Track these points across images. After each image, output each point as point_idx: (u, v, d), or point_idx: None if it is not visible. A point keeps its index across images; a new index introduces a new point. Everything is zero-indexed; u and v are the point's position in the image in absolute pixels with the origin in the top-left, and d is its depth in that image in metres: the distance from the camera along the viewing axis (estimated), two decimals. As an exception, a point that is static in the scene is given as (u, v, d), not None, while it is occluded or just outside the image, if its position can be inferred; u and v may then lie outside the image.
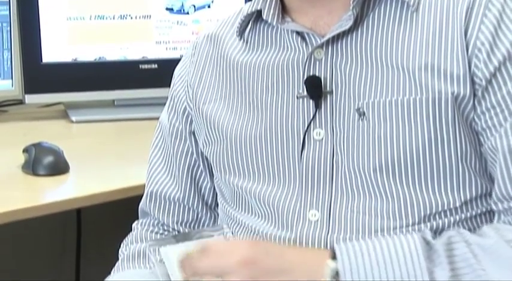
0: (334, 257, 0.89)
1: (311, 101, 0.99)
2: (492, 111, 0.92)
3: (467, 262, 0.88)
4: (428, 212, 0.94)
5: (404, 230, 0.94)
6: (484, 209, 0.96)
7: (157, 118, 1.21)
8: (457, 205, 0.95)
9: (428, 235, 0.91)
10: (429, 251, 0.89)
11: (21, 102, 1.91)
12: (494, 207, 0.94)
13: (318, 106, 0.98)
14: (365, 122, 0.96)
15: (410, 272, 0.87)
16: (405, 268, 0.87)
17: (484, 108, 0.93)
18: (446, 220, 0.95)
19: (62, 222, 2.09)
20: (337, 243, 0.91)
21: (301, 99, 1.00)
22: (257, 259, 0.89)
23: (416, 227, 0.94)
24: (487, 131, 0.93)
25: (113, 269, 1.14)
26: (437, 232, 0.94)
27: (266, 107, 1.02)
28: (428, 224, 0.94)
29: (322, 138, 0.99)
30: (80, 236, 2.05)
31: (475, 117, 0.93)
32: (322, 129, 0.99)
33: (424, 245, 0.89)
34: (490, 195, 0.96)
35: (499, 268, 0.87)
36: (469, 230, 0.95)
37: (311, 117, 0.99)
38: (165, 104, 1.19)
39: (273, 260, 0.90)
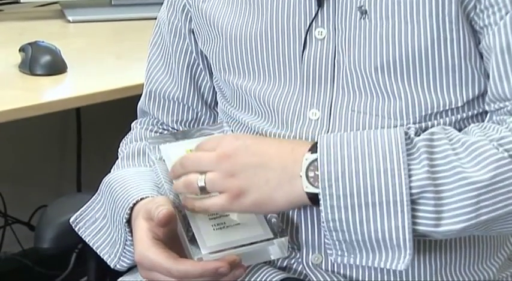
0: (315, 150, 0.90)
1: None
2: (490, 10, 0.91)
3: (446, 158, 0.87)
4: (430, 112, 0.94)
5: (393, 128, 0.94)
6: (485, 109, 0.96)
7: (155, 18, 1.20)
8: (459, 104, 0.95)
9: (412, 131, 0.91)
10: (409, 146, 0.88)
11: (16, 1, 1.89)
12: (487, 107, 0.94)
13: (320, 5, 0.97)
14: (367, 20, 0.94)
15: (387, 165, 0.87)
16: (383, 161, 0.87)
17: (482, 7, 0.92)
18: (447, 119, 0.95)
19: (62, 122, 2.10)
20: (322, 134, 0.91)
21: (303, -2, 0.98)
22: (235, 154, 0.91)
23: (417, 126, 0.94)
24: (484, 29, 0.92)
25: (113, 167, 1.15)
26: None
27: (267, 5, 1.01)
28: (430, 123, 0.95)
29: (324, 38, 0.98)
30: (80, 136, 2.07)
31: (475, 16, 0.92)
32: (324, 28, 0.98)
33: (405, 140, 0.88)
34: None
35: (478, 165, 0.86)
36: (468, 129, 0.96)
37: (313, 16, 0.98)
38: (162, 3, 1.17)
39: (249, 154, 0.91)
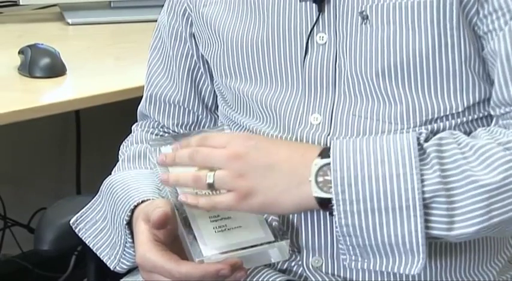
0: (325, 154, 0.90)
1: (314, 4, 0.98)
2: (494, 15, 0.92)
3: (456, 163, 0.88)
4: (430, 117, 0.95)
5: (405, 133, 0.94)
6: (486, 113, 0.96)
7: (155, 20, 1.20)
8: (460, 109, 0.95)
9: (423, 136, 0.91)
10: (420, 152, 0.89)
11: (15, 3, 1.89)
12: (492, 112, 0.95)
13: (321, 10, 0.97)
14: (368, 25, 0.95)
15: (400, 170, 0.87)
16: (395, 166, 0.88)
17: (486, 12, 0.92)
18: (448, 123, 0.95)
19: (62, 125, 2.10)
20: (334, 140, 0.91)
21: (303, 3, 0.99)
22: (246, 154, 0.91)
23: (417, 129, 0.95)
24: (488, 35, 0.93)
25: (113, 170, 1.15)
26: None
27: (268, 11, 1.01)
28: (429, 126, 0.95)
29: (325, 43, 0.98)
30: (79, 138, 2.07)
31: (478, 21, 0.93)
32: (325, 33, 0.98)
33: (417, 146, 0.89)
34: None
35: (487, 169, 0.87)
36: (470, 132, 0.96)
37: (314, 21, 0.98)
38: (162, 6, 1.18)
39: (261, 156, 0.91)
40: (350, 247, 0.91)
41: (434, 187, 0.87)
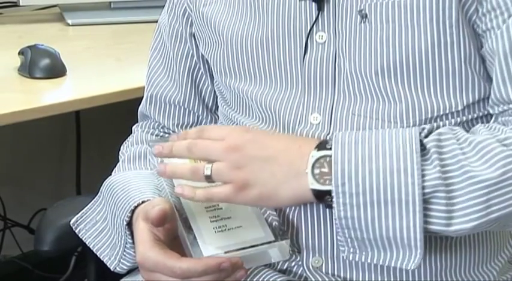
0: (321, 147, 0.90)
1: (313, 3, 0.98)
2: (492, 13, 0.92)
3: (455, 158, 0.88)
4: (430, 116, 0.95)
5: (407, 128, 0.94)
6: (485, 112, 0.97)
7: (155, 21, 1.21)
8: (459, 108, 0.95)
9: (424, 132, 0.91)
10: (421, 148, 0.89)
11: (15, 4, 1.89)
12: (491, 110, 0.95)
13: (320, 9, 0.98)
14: (367, 24, 0.95)
15: (401, 164, 0.87)
16: (396, 160, 0.87)
17: (484, 10, 0.92)
18: (447, 122, 0.95)
19: (62, 125, 2.10)
20: (336, 132, 0.91)
21: (303, 2, 0.99)
22: (243, 146, 0.91)
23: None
24: (487, 33, 0.93)
25: (114, 170, 1.15)
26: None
27: (268, 10, 1.01)
28: (429, 125, 0.94)
29: (325, 42, 0.98)
30: (79, 139, 2.07)
31: (477, 20, 0.93)
32: (324, 32, 0.98)
33: (419, 141, 0.89)
34: None
35: (486, 164, 0.86)
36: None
37: (313, 20, 0.98)
38: (162, 6, 1.18)
39: (258, 148, 0.91)
40: (348, 239, 0.90)
41: (434, 183, 0.87)
